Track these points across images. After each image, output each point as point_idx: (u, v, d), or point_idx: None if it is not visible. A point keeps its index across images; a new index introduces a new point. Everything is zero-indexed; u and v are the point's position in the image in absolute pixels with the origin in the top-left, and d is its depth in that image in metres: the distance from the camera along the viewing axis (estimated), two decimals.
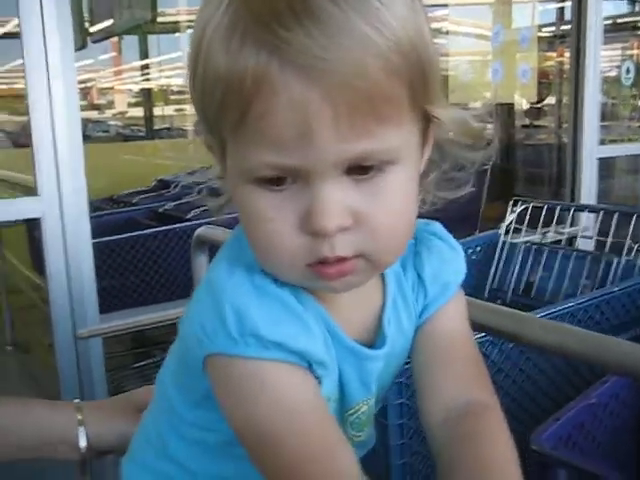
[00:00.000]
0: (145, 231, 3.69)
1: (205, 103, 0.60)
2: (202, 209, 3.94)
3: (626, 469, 1.51)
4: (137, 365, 3.71)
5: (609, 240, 2.54)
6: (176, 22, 7.03)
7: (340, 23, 0.52)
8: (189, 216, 3.90)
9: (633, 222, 2.50)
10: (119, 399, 1.08)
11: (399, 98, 0.57)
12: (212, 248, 1.83)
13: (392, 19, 0.55)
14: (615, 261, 2.46)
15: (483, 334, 1.34)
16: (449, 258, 0.77)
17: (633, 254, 2.47)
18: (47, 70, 2.50)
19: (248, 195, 0.60)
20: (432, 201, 0.73)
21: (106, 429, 0.97)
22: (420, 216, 0.69)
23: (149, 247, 3.59)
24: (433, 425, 0.71)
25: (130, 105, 10.56)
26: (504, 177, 6.90)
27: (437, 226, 0.77)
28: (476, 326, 1.06)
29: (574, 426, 1.36)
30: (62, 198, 2.64)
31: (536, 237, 2.84)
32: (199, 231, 1.85)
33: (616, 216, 2.55)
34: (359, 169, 0.58)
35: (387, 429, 1.34)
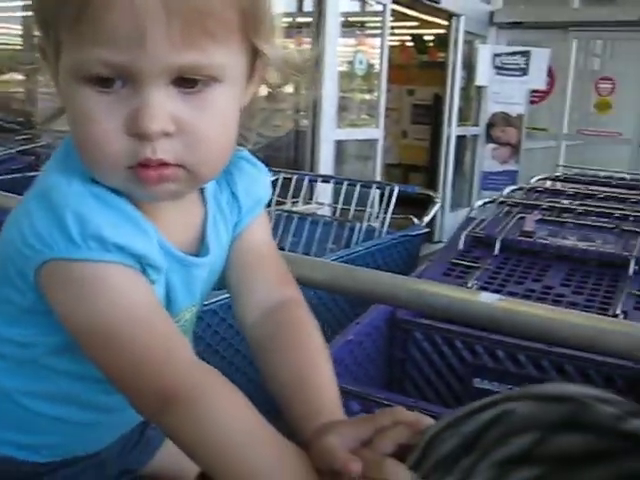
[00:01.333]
0: None
1: (43, 4, 0.60)
2: None
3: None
4: None
5: (352, 209, 2.79)
6: None
7: None
8: None
9: (372, 193, 2.78)
10: None
11: (230, 22, 0.60)
12: None
13: None
14: (357, 226, 2.72)
15: None
16: (258, 177, 0.81)
17: (372, 220, 2.74)
18: None
19: (78, 95, 0.60)
20: (256, 140, 0.78)
21: None
22: None
23: None
24: (250, 323, 0.77)
25: None
26: None
27: (244, 150, 0.82)
28: None
29: (335, 361, 1.50)
30: None
31: (286, 207, 3.01)
32: None
33: (358, 187, 2.80)
34: (186, 82, 0.60)
35: None
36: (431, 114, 7.86)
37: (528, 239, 2.20)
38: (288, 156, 5.71)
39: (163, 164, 0.61)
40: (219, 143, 0.65)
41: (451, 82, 6.60)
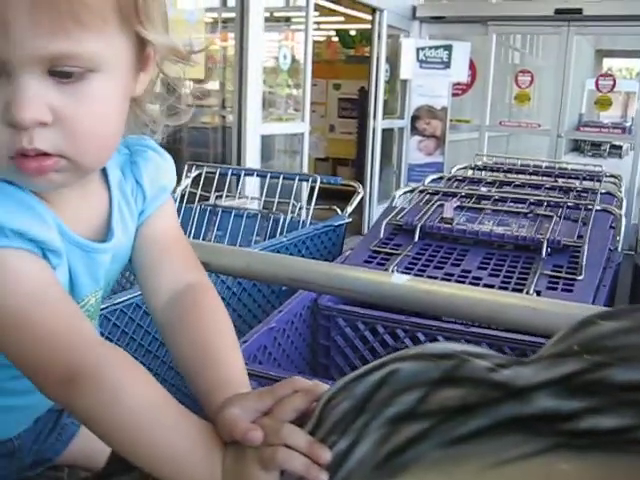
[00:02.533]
0: None
1: None
2: None
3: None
4: None
5: (276, 201, 2.80)
6: None
7: None
8: None
9: (295, 185, 2.80)
10: None
11: (101, 8, 0.60)
12: None
13: None
14: (282, 218, 2.73)
15: None
16: (163, 166, 0.82)
17: (296, 212, 2.76)
18: None
19: None
20: (163, 130, 0.78)
21: None
22: None
23: None
24: (159, 307, 0.77)
25: None
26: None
27: (150, 140, 0.82)
28: None
29: (258, 347, 1.52)
30: None
31: (211, 201, 2.99)
32: None
33: (281, 179, 2.81)
34: (61, 74, 0.60)
35: None
36: (357, 108, 7.95)
37: (447, 225, 2.26)
38: (216, 152, 5.67)
39: (43, 154, 0.61)
40: (99, 133, 0.65)
41: (375, 76, 6.69)
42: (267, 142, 5.54)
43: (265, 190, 2.93)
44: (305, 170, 5.81)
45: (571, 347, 0.45)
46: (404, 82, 6.97)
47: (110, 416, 0.59)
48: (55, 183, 0.65)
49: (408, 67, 6.62)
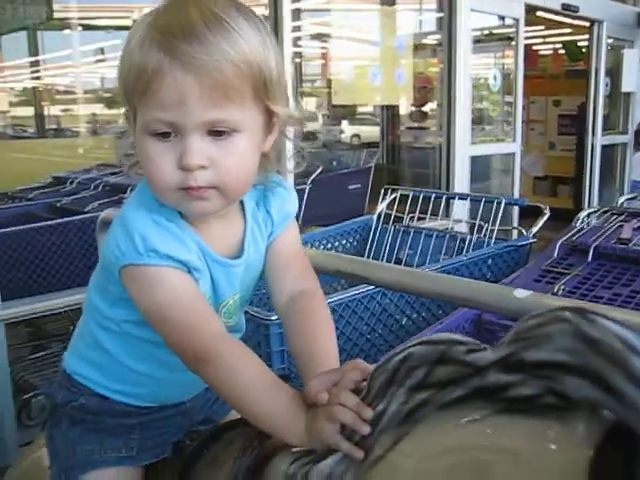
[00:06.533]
0: (45, 222, 3.80)
1: (125, 82, 0.90)
2: (99, 203, 4.12)
3: None
4: (34, 357, 3.82)
5: (464, 221, 2.95)
6: (64, 19, 7.04)
7: (210, 41, 0.84)
8: (86, 209, 4.05)
9: (481, 207, 2.93)
10: None
11: (243, 91, 0.88)
12: None
13: (244, 45, 0.87)
14: (468, 239, 2.88)
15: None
16: (288, 198, 1.09)
17: (483, 233, 2.89)
18: None
19: (146, 144, 0.90)
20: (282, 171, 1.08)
21: None
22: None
23: (49, 238, 3.72)
24: (280, 307, 1.06)
25: (13, 104, 10.20)
26: (391, 177, 7.37)
27: (279, 178, 1.09)
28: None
29: None
30: None
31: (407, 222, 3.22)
32: (104, 214, 1.98)
33: (468, 201, 2.96)
34: (216, 132, 0.88)
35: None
36: (577, 124, 7.69)
37: (622, 246, 2.25)
38: (433, 173, 5.82)
39: (201, 187, 0.90)
40: (239, 173, 0.93)
41: (594, 90, 6.46)
42: (479, 161, 5.58)
43: (468, 212, 3.09)
44: (517, 190, 5.78)
45: (510, 337, 0.61)
46: (626, 95, 6.63)
47: (228, 387, 0.87)
48: (207, 210, 0.94)
49: (630, 79, 6.31)
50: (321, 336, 0.98)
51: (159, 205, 0.94)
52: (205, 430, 1.12)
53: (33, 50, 7.93)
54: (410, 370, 0.71)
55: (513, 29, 5.62)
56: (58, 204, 4.33)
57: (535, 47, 9.09)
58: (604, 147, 6.56)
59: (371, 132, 9.62)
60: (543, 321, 0.59)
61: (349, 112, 11.53)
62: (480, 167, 5.71)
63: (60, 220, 3.82)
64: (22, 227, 3.69)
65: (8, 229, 3.60)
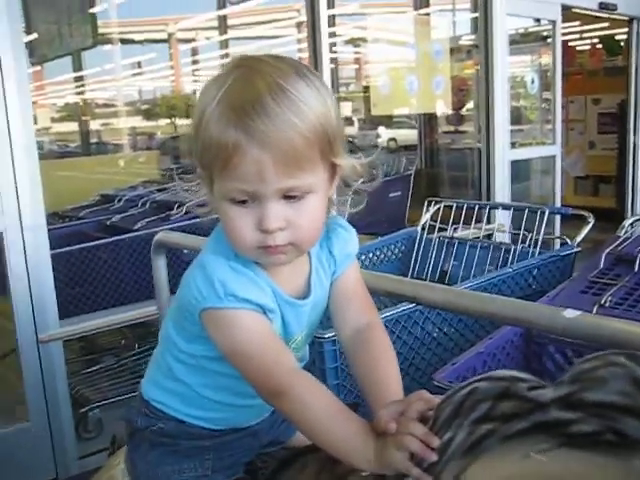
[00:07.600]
0: (99, 241, 3.94)
1: (202, 154, 0.98)
2: (147, 220, 4.25)
3: None
4: (88, 370, 3.96)
5: (507, 231, 2.97)
6: (104, 34, 7.19)
7: (280, 116, 0.92)
8: (136, 227, 4.18)
9: (525, 216, 2.95)
10: None
11: (313, 157, 0.96)
12: (170, 250, 2.10)
13: (309, 112, 0.94)
14: (512, 249, 2.91)
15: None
16: (349, 239, 1.17)
17: (527, 243, 2.91)
18: (4, 98, 2.77)
19: (226, 209, 0.99)
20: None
21: None
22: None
23: (101, 257, 3.86)
24: (344, 339, 1.14)
25: (54, 120, 10.35)
26: (430, 182, 7.39)
27: (341, 220, 1.17)
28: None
29: (467, 369, 1.76)
30: (21, 212, 2.90)
31: (450, 233, 3.26)
32: (158, 236, 2.07)
33: (511, 211, 2.98)
34: (291, 196, 0.97)
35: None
36: (618, 122, 7.60)
37: None
38: (472, 176, 5.81)
39: (279, 245, 0.99)
40: (313, 229, 1.02)
41: (635, 88, 6.40)
42: (519, 164, 5.56)
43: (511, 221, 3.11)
44: (558, 193, 5.76)
45: (569, 377, 0.67)
46: None
47: (301, 418, 0.95)
48: (284, 262, 1.04)
49: None
50: (384, 363, 1.06)
51: (235, 253, 1.02)
52: (278, 453, 1.20)
53: (76, 66, 8.12)
54: (475, 403, 0.77)
55: (549, 28, 5.59)
56: (108, 222, 4.48)
57: (572, 43, 9.02)
58: None
59: (407, 135, 9.63)
60: (598, 365, 0.65)
61: (385, 116, 11.56)
62: (520, 169, 5.70)
63: (112, 238, 3.96)
64: (76, 247, 3.83)
65: (64, 249, 3.73)
